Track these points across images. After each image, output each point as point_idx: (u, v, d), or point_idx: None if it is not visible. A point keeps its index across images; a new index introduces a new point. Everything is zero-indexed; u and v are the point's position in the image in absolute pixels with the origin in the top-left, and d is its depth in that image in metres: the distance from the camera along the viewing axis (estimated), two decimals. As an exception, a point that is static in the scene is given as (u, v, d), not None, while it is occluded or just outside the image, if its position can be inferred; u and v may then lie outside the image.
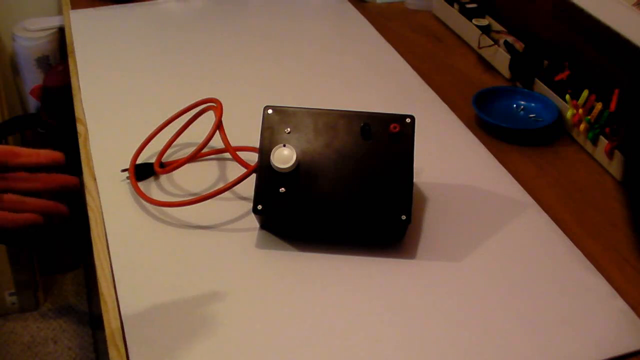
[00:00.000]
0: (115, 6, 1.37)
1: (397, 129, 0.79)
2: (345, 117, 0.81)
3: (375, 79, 1.14)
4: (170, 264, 0.78)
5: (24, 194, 0.66)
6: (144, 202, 0.86)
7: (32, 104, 1.76)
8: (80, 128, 1.01)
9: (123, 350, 0.69)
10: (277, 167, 0.78)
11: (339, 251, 0.80)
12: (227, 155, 0.94)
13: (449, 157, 0.95)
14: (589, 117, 0.96)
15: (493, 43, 1.17)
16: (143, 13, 1.35)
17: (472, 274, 0.77)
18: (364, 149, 0.79)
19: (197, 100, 0.93)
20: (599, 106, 0.95)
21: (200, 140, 0.87)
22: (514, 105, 1.06)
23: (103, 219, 0.84)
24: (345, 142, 0.80)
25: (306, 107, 0.82)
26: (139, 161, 0.91)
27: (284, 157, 0.78)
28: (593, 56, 1.04)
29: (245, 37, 1.27)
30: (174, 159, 0.93)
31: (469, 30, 1.24)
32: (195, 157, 0.89)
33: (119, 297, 0.74)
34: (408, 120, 0.80)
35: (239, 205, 0.86)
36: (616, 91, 0.94)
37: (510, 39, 1.14)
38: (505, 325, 0.71)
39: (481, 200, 0.88)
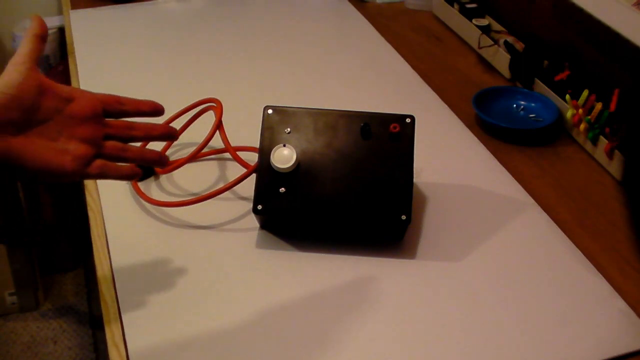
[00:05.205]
0: (115, 6, 1.37)
1: (397, 129, 0.79)
2: (345, 117, 0.81)
3: (375, 79, 1.14)
4: (170, 264, 0.78)
5: (125, 141, 0.67)
6: (144, 202, 0.86)
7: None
8: (80, 128, 1.01)
9: (123, 350, 0.69)
10: (277, 167, 0.78)
11: (339, 251, 0.80)
12: (227, 155, 0.94)
13: (449, 157, 0.95)
14: (589, 117, 0.96)
15: (493, 43, 1.17)
16: (143, 13, 1.35)
17: (472, 274, 0.77)
18: (364, 149, 0.79)
19: (197, 100, 0.93)
20: (599, 106, 0.95)
21: (200, 140, 0.87)
22: (514, 105, 1.06)
23: (103, 219, 0.84)
24: (345, 142, 0.80)
25: (306, 107, 0.82)
26: (139, 161, 0.91)
27: (284, 157, 0.78)
28: (593, 56, 1.04)
29: (245, 37, 1.27)
30: (174, 159, 0.93)
31: (469, 30, 1.24)
32: (195, 157, 0.89)
33: (119, 297, 0.74)
34: (408, 120, 0.80)
35: (239, 205, 0.86)
36: (616, 91, 0.94)
37: (510, 39, 1.14)
38: (505, 325, 0.71)
39: (481, 200, 0.88)
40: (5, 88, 0.59)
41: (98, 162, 0.64)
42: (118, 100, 0.67)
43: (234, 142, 0.88)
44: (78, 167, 0.62)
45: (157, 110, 0.68)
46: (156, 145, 0.93)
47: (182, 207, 0.85)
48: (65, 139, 0.62)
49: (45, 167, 0.60)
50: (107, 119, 0.66)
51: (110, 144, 0.65)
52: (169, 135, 0.70)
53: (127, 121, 0.67)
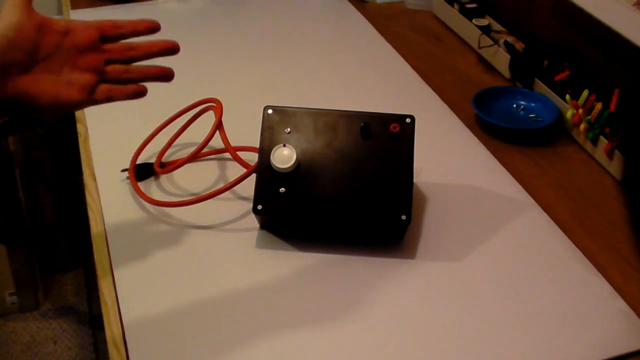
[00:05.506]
0: (115, 6, 1.37)
1: (397, 129, 0.79)
2: (345, 117, 0.81)
3: (376, 79, 1.14)
4: (170, 264, 0.78)
5: (127, 63, 0.68)
6: (144, 202, 0.86)
7: (32, 104, 1.75)
8: (80, 128, 1.01)
9: (123, 350, 0.69)
10: (277, 167, 0.78)
11: (339, 251, 0.80)
12: (227, 155, 0.94)
13: (449, 157, 0.95)
14: (589, 117, 0.96)
15: (493, 43, 1.17)
16: (143, 13, 1.35)
17: (472, 274, 0.77)
18: (364, 149, 0.79)
19: (197, 100, 0.93)
20: (599, 106, 0.95)
21: (200, 140, 0.87)
22: (514, 105, 1.06)
23: (103, 219, 0.84)
24: (345, 142, 0.80)
25: (306, 107, 0.82)
26: (139, 161, 0.91)
27: (284, 157, 0.78)
28: (593, 56, 1.04)
29: (245, 37, 1.27)
30: (174, 159, 0.93)
31: (469, 30, 1.24)
32: (195, 157, 0.89)
33: (118, 297, 0.74)
34: (408, 120, 0.80)
35: (239, 205, 0.86)
36: (616, 91, 0.94)
37: (510, 39, 1.14)
38: (505, 325, 0.71)
39: (481, 200, 0.88)
40: (4, 31, 0.60)
41: (103, 87, 0.66)
42: (114, 24, 0.68)
43: (234, 142, 0.88)
44: (85, 96, 0.64)
45: (154, 28, 0.69)
46: (156, 147, 0.93)
47: (182, 207, 0.85)
48: (68, 71, 0.64)
49: (54, 101, 0.63)
50: (106, 45, 0.67)
51: (112, 67, 0.67)
52: (170, 49, 0.70)
53: (126, 43, 0.68)
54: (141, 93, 0.68)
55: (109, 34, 0.67)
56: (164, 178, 0.91)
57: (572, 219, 0.86)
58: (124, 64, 0.68)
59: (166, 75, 0.71)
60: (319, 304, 0.73)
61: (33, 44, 0.62)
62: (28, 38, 0.61)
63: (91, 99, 0.65)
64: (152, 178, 0.90)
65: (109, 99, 0.67)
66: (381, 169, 0.78)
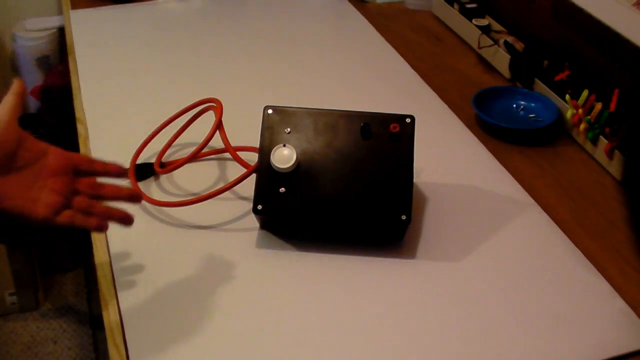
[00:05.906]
0: (115, 6, 1.37)
1: (397, 129, 0.79)
2: (345, 117, 0.81)
3: (375, 79, 1.14)
4: (171, 264, 0.78)
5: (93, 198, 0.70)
6: (144, 202, 0.86)
7: (32, 104, 1.76)
8: (80, 128, 1.01)
9: (123, 349, 0.69)
10: (277, 167, 0.78)
11: (339, 251, 0.80)
12: (227, 155, 0.94)
13: (449, 157, 0.95)
14: (589, 117, 0.96)
15: (493, 43, 1.17)
16: (143, 13, 1.35)
17: (471, 274, 0.77)
18: (364, 149, 0.79)
19: (197, 100, 0.93)
20: (599, 106, 0.95)
21: (200, 140, 0.87)
22: (514, 105, 1.06)
23: (103, 219, 0.84)
24: (345, 142, 0.80)
25: (306, 107, 0.82)
26: (139, 161, 0.91)
27: (284, 157, 0.78)
28: (593, 56, 1.04)
29: (245, 37, 1.27)
30: (174, 159, 0.93)
31: (469, 30, 1.24)
32: (195, 157, 0.89)
33: (118, 297, 0.74)
34: (408, 120, 0.80)
35: (239, 205, 0.86)
36: (616, 91, 0.94)
37: (510, 39, 1.14)
38: (505, 325, 0.71)
39: (481, 200, 0.88)
40: None
41: (68, 212, 0.67)
42: (88, 159, 0.71)
43: (234, 142, 0.88)
44: (48, 214, 0.66)
45: (123, 173, 0.72)
46: (156, 147, 0.93)
47: (182, 207, 0.85)
48: (38, 188, 0.66)
49: (19, 209, 0.64)
50: (77, 177, 0.69)
51: (79, 199, 0.69)
52: (135, 197, 0.73)
53: (95, 182, 0.70)
54: (103, 228, 0.70)
55: (82, 168, 0.69)
56: (164, 178, 0.91)
57: (572, 219, 0.86)
58: (90, 199, 0.69)
59: (127, 221, 0.72)
60: (318, 304, 0.73)
61: (12, 150, 0.64)
62: (10, 144, 0.64)
63: (54, 219, 0.67)
64: (152, 178, 0.90)
65: (72, 223, 0.68)
66: (381, 169, 0.78)
